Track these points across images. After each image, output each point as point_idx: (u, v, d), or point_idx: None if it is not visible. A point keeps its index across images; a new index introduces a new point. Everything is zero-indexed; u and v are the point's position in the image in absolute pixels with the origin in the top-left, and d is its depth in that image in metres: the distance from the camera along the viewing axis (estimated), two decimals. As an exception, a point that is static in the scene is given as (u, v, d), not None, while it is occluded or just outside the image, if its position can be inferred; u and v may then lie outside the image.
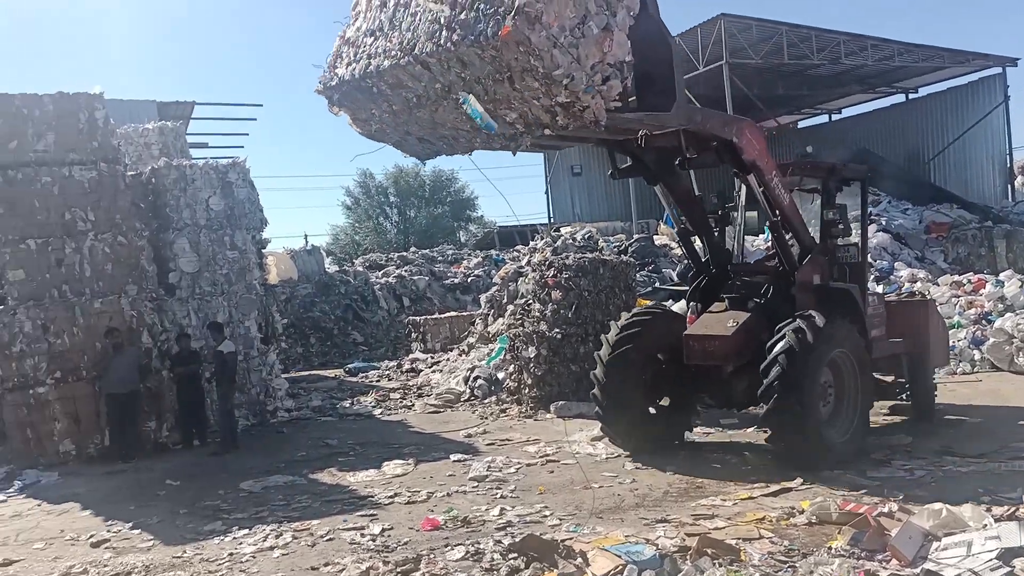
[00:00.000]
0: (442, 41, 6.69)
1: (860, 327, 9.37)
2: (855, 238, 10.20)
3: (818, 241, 9.63)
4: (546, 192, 37.68)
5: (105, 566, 7.00)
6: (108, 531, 8.14)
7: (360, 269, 28.02)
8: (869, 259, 12.14)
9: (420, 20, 6.92)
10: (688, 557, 6.02)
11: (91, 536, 7.97)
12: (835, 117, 37.51)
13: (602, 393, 9.68)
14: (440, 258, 29.79)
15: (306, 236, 43.67)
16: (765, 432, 8.76)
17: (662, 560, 5.93)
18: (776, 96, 31.69)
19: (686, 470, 8.85)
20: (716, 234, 10.01)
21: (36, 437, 11.72)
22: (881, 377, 10.38)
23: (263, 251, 16.31)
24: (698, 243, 10.25)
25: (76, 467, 11.44)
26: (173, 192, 13.72)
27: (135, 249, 12.89)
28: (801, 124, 38.12)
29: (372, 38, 7.46)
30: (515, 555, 6.35)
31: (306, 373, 20.44)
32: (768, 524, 6.89)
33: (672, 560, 5.93)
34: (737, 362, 9.17)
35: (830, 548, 6.09)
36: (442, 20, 6.68)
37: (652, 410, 9.95)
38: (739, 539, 6.44)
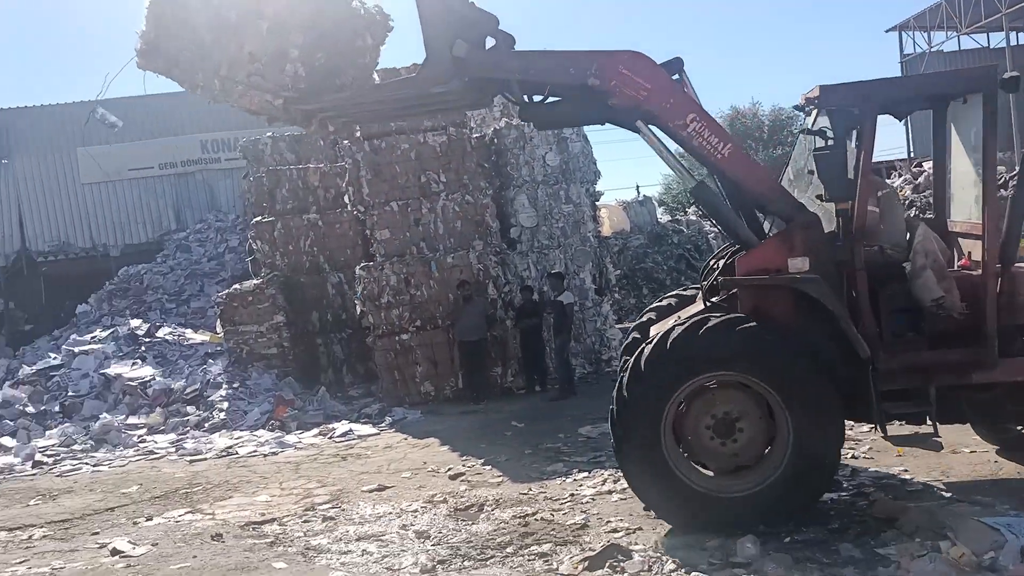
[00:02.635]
0: None
1: (834, 336, 5.89)
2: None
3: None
4: (905, 122, 33.84)
5: (461, 497, 7.55)
6: (463, 465, 8.80)
7: (693, 218, 27.49)
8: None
9: None
10: (1092, 539, 5.04)
11: (449, 469, 8.68)
12: None
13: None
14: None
15: (638, 187, 43.90)
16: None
17: (1055, 539, 5.02)
18: None
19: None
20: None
21: (402, 379, 13.08)
22: None
23: (596, 203, 16.57)
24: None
25: (435, 406, 12.58)
26: (513, 151, 14.37)
27: (481, 207, 13.74)
28: None
29: None
30: (865, 519, 5.88)
31: (640, 324, 20.55)
32: None
33: (1070, 541, 5.00)
34: None
35: None
36: None
37: None
38: None
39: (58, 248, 24.23)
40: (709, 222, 7.09)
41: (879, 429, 6.20)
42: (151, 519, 7.71)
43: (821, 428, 5.76)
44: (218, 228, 23.21)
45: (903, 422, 6.40)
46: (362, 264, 13.64)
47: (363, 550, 6.29)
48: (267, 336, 14.14)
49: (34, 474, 10.46)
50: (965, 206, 6.37)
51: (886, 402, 5.93)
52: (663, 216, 30.04)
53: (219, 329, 15.16)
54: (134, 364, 14.31)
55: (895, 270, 6.08)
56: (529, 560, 5.79)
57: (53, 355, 15.34)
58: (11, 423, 12.73)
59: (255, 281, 14.64)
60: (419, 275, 13.26)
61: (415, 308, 13.20)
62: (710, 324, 5.82)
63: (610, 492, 7.23)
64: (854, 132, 6.24)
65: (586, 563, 5.60)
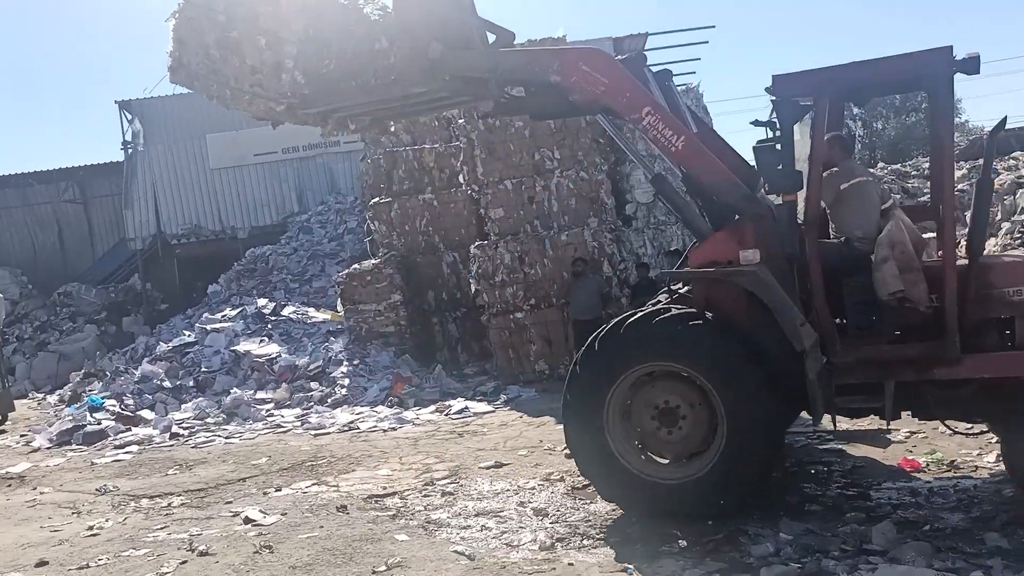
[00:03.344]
0: None
1: (770, 333, 5.72)
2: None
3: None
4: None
5: (578, 475, 7.45)
6: (580, 444, 8.73)
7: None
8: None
9: None
10: None
11: (565, 447, 8.58)
12: None
13: None
14: (914, 173, 26.78)
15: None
16: None
17: None
18: None
19: None
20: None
21: (516, 357, 13.13)
22: None
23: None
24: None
25: (549, 385, 12.54)
26: (628, 125, 14.09)
27: (595, 183, 13.60)
28: None
29: None
30: (1013, 507, 5.55)
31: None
32: None
33: None
34: None
35: None
36: None
37: None
38: None
39: (190, 231, 25.40)
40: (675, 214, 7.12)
41: (832, 423, 6.16)
42: (280, 490, 7.99)
43: (751, 420, 5.70)
44: (337, 210, 23.79)
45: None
46: (476, 243, 13.72)
47: (482, 525, 6.33)
48: (385, 315, 14.43)
49: (171, 445, 11.04)
50: None
51: (841, 396, 5.87)
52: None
53: (340, 308, 15.58)
54: (261, 341, 14.89)
55: (862, 262, 5.89)
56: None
57: (187, 333, 16.13)
58: (150, 397, 13.50)
59: (373, 261, 14.94)
60: (533, 253, 13.24)
61: (529, 286, 13.20)
62: (643, 316, 6.01)
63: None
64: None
65: (710, 546, 5.45)
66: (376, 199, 15.67)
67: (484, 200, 13.98)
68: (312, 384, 13.27)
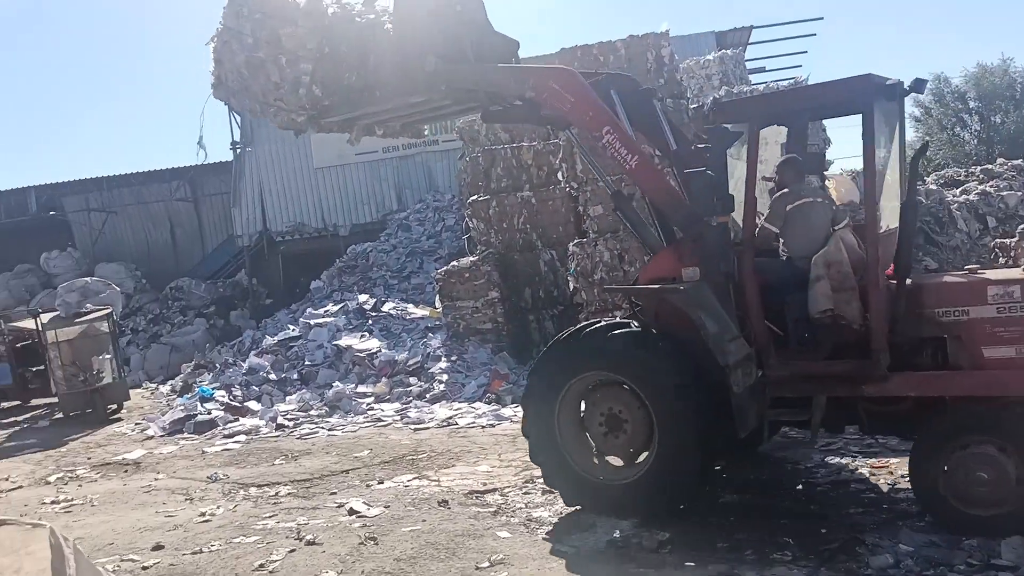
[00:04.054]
0: None
1: (692, 344, 5.94)
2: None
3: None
4: None
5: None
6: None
7: (933, 187, 25.14)
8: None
9: None
10: None
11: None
12: None
13: None
14: (1035, 168, 25.36)
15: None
16: None
17: None
18: None
19: None
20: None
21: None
22: None
23: (825, 173, 15.55)
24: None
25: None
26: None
27: (695, 179, 13.30)
28: None
29: None
30: None
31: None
32: None
33: None
34: None
35: None
36: None
37: None
38: None
39: (294, 228, 26.09)
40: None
41: (763, 435, 6.40)
42: (382, 482, 8.10)
43: (681, 428, 5.91)
44: (435, 207, 24.02)
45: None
46: (575, 241, 13.60)
47: (584, 526, 6.24)
48: (482, 311, 14.45)
49: (277, 436, 11.35)
50: (888, 212, 6.16)
51: (774, 408, 6.10)
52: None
53: (438, 304, 15.70)
54: (362, 336, 15.15)
55: (803, 280, 5.99)
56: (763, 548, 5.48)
57: (291, 327, 16.53)
58: (257, 388, 13.91)
59: (471, 258, 15.00)
60: (633, 251, 13.01)
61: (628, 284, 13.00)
62: (587, 328, 6.45)
63: (847, 482, 6.74)
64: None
65: (825, 555, 5.23)
66: (474, 197, 15.72)
67: (583, 197, 13.84)
68: (411, 379, 13.41)
